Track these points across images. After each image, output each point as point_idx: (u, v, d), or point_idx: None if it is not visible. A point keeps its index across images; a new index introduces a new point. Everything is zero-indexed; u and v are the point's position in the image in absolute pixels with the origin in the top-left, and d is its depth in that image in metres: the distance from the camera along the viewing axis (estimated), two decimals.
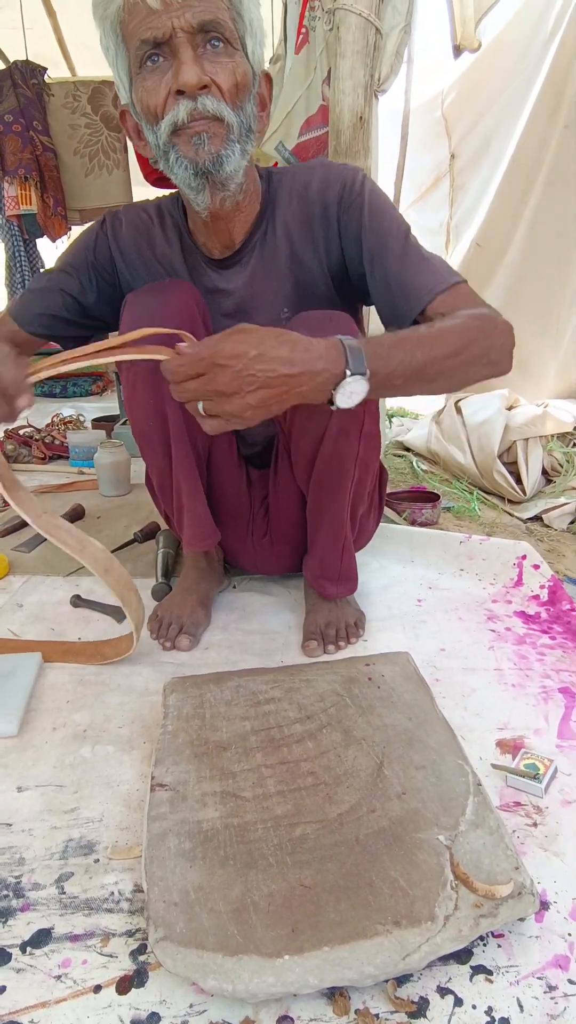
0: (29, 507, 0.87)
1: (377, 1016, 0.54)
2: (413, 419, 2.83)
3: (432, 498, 1.81)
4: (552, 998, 0.55)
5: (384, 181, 1.70)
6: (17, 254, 3.31)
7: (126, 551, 1.43)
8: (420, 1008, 0.55)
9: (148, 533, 1.47)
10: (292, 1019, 0.55)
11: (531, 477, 1.99)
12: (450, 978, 0.57)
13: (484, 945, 0.59)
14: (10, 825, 0.74)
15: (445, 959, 0.58)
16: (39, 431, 2.35)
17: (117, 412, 2.43)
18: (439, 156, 2.95)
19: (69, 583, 1.32)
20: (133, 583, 0.98)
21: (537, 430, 2.06)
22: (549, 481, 2.06)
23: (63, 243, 3.32)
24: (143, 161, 3.29)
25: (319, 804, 0.68)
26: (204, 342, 0.69)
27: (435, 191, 3.05)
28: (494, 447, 2.06)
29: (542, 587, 1.24)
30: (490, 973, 0.57)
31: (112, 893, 0.66)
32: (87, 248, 1.02)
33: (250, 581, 1.30)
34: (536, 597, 1.22)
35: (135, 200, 1.40)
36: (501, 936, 0.60)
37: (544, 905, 0.63)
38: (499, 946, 0.59)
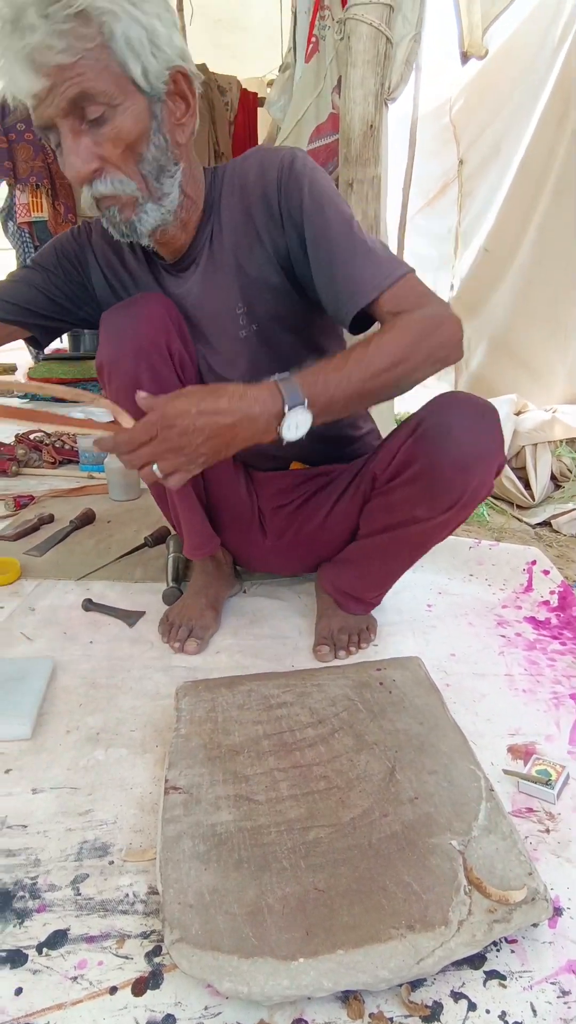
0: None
1: (391, 1020, 0.55)
2: None
3: None
4: (566, 1003, 0.56)
5: (392, 187, 1.71)
6: (28, 260, 3.35)
7: (137, 556, 1.44)
8: (434, 1012, 0.55)
9: (159, 537, 1.48)
10: (307, 1022, 0.55)
11: (540, 482, 1.99)
12: (464, 983, 0.57)
13: (497, 950, 0.60)
14: (25, 827, 0.75)
15: (459, 964, 0.58)
16: (49, 436, 2.37)
17: None
18: (447, 162, 2.96)
19: (80, 587, 1.33)
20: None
21: (546, 435, 2.06)
22: (558, 486, 2.05)
23: None
24: None
25: (332, 808, 0.69)
26: (151, 412, 0.74)
27: (443, 197, 3.06)
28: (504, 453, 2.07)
29: (552, 593, 1.24)
30: (503, 978, 0.58)
31: (127, 895, 0.67)
32: (57, 248, 1.03)
33: (260, 586, 1.31)
34: (546, 603, 1.22)
35: None
36: (514, 941, 0.60)
37: (557, 911, 0.63)
38: (512, 951, 0.60)
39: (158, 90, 0.76)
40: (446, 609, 1.22)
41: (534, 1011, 0.55)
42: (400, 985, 0.56)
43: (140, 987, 0.58)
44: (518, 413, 2.18)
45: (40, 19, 0.68)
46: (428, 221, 3.20)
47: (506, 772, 0.79)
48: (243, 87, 3.28)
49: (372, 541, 1.04)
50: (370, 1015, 0.55)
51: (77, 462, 2.15)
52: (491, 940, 0.56)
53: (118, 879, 0.68)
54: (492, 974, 0.58)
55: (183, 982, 0.58)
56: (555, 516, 1.86)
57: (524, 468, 2.03)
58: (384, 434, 1.10)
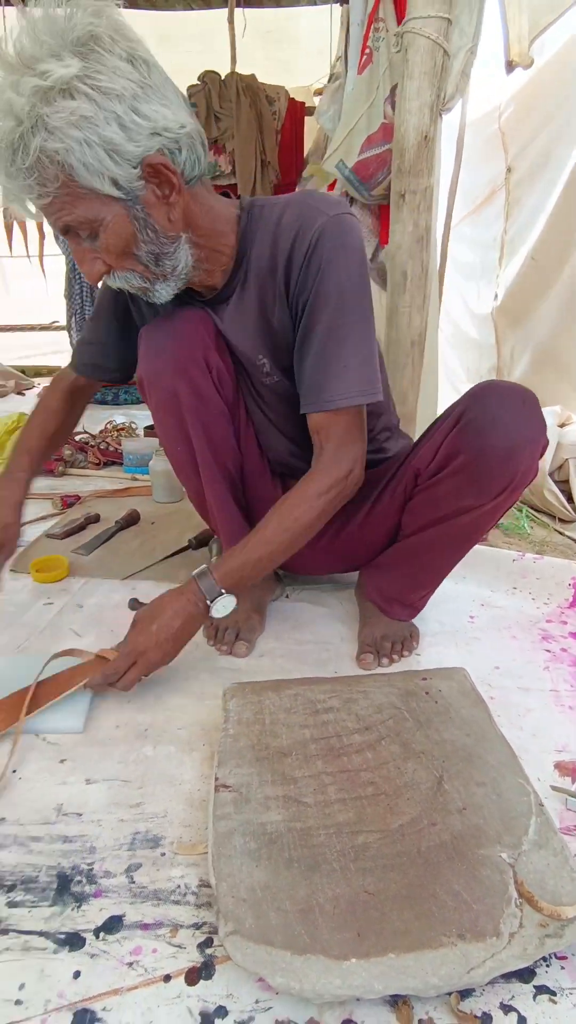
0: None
1: None
2: None
3: None
4: None
5: (439, 195, 1.72)
6: (76, 267, 3.44)
7: (181, 557, 1.47)
8: (484, 1023, 0.55)
9: (202, 540, 1.51)
10: (355, 1023, 0.56)
11: None
12: (513, 996, 0.58)
13: (547, 966, 0.60)
14: (80, 815, 0.78)
15: (507, 977, 0.58)
16: (94, 437, 2.44)
17: None
18: (495, 170, 2.94)
19: (126, 586, 1.36)
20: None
21: None
22: None
23: None
24: None
25: (380, 814, 0.70)
26: (123, 648, 0.95)
27: (489, 205, 3.04)
28: (545, 465, 2.04)
29: None
30: (553, 994, 0.58)
31: (179, 886, 0.69)
32: (106, 295, 1.11)
33: (302, 591, 1.32)
34: None
35: None
36: (564, 958, 0.60)
37: None
38: (563, 968, 0.59)
39: (134, 189, 0.77)
40: (489, 621, 1.21)
41: None
42: (449, 993, 0.57)
43: (193, 977, 0.60)
44: (562, 425, 2.15)
45: (5, 176, 0.74)
46: (473, 229, 3.18)
47: (554, 788, 0.78)
48: (291, 97, 3.31)
49: (418, 538, 1.05)
50: (419, 1021, 0.56)
51: (121, 463, 2.20)
52: (542, 954, 0.57)
53: (170, 870, 0.70)
54: (542, 989, 0.58)
55: (235, 974, 0.60)
56: None
57: (567, 481, 2.00)
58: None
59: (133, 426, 2.61)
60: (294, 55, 3.75)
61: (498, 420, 0.90)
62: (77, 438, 2.41)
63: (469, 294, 3.25)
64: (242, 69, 3.32)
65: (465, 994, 0.57)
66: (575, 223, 2.36)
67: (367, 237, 1.95)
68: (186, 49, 3.65)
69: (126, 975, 0.60)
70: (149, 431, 2.47)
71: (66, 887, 0.68)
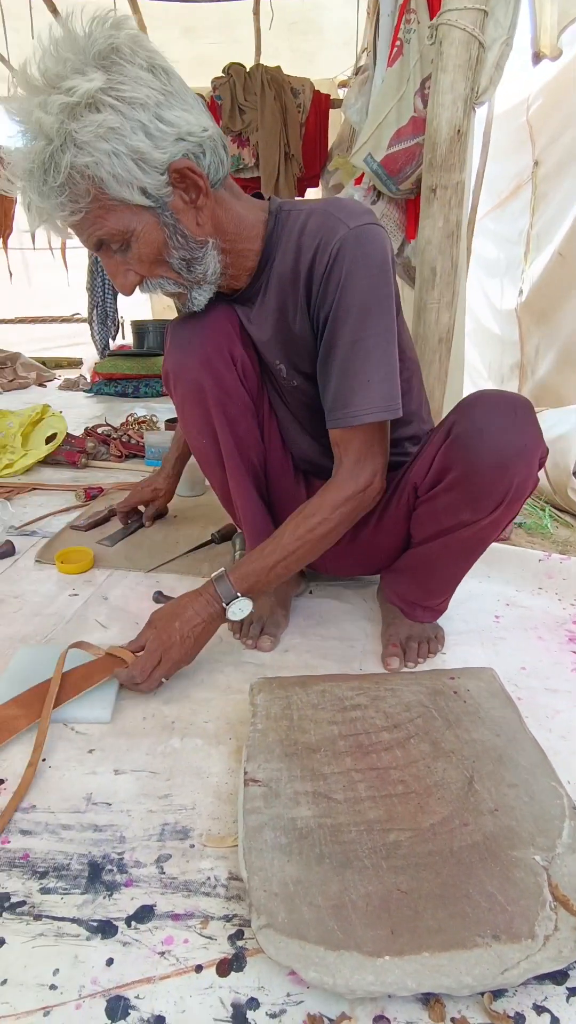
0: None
1: None
2: None
3: None
4: None
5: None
6: (98, 260, 3.46)
7: (204, 551, 1.48)
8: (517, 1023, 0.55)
9: (225, 534, 1.51)
10: (388, 1020, 0.56)
11: None
12: (546, 997, 0.57)
13: None
14: (110, 804, 0.79)
15: (541, 978, 0.58)
16: (116, 429, 2.45)
17: None
18: (521, 163, 2.91)
19: (150, 579, 1.37)
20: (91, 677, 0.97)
21: None
22: None
23: None
24: None
25: (411, 813, 0.70)
26: (146, 647, 0.97)
27: (515, 199, 3.00)
28: (569, 463, 2.02)
29: None
30: None
31: (208, 878, 0.69)
32: None
33: (326, 587, 1.32)
34: None
35: None
36: None
37: None
38: None
39: (162, 196, 0.79)
40: (514, 621, 1.20)
41: None
42: (482, 993, 0.57)
43: (224, 968, 0.60)
44: None
45: (38, 196, 0.75)
46: (497, 224, 3.14)
47: None
48: (316, 89, 3.29)
49: (426, 548, 1.04)
50: (452, 1020, 0.56)
51: (143, 456, 2.21)
52: None
53: (199, 862, 0.71)
54: (575, 991, 0.58)
55: (266, 967, 0.60)
56: None
57: None
58: None
59: (154, 419, 2.62)
60: (319, 47, 3.72)
61: (487, 433, 0.88)
62: (99, 431, 2.42)
63: (492, 290, 3.22)
64: (267, 61, 3.30)
65: (498, 994, 0.57)
66: None
67: (393, 232, 1.94)
68: (211, 41, 3.64)
69: (158, 964, 0.61)
70: (170, 424, 2.48)
71: (97, 875, 0.69)
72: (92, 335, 4.21)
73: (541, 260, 2.68)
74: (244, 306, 0.98)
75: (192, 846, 0.73)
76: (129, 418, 2.62)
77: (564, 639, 1.14)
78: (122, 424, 2.55)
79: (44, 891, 0.68)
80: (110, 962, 0.61)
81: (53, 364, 4.42)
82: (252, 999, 0.58)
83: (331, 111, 3.35)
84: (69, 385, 3.77)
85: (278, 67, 3.19)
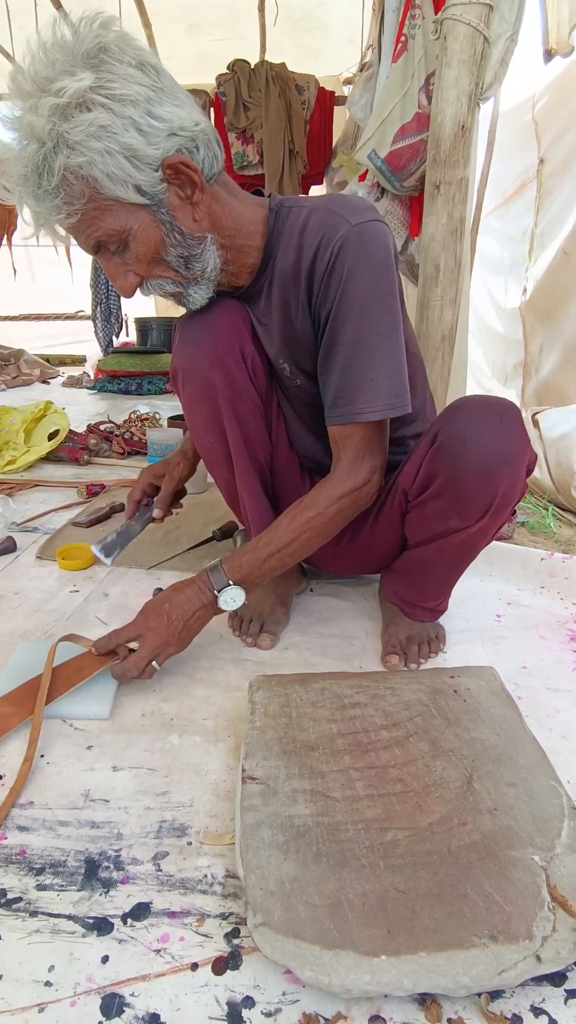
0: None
1: None
2: None
3: None
4: None
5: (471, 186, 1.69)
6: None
7: (205, 548, 1.48)
8: None
9: (227, 531, 1.51)
10: (384, 1020, 0.56)
11: None
12: (544, 999, 0.57)
13: None
14: (107, 801, 0.78)
15: (538, 980, 0.58)
16: (118, 427, 2.45)
17: None
18: (526, 161, 2.89)
19: (151, 576, 1.37)
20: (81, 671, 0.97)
21: None
22: None
23: None
24: (227, 168, 3.38)
25: (409, 812, 0.69)
26: (139, 633, 0.96)
27: (520, 197, 2.98)
28: (572, 462, 2.01)
29: None
30: None
31: (205, 876, 0.69)
32: None
33: (326, 585, 1.32)
34: None
35: None
36: None
37: None
38: None
39: (157, 193, 0.78)
40: (516, 620, 1.20)
41: None
42: (479, 994, 0.56)
43: (220, 966, 0.60)
44: None
45: (34, 200, 0.75)
46: (502, 222, 3.13)
47: None
48: (320, 86, 3.28)
49: (421, 551, 1.04)
50: (448, 1020, 0.55)
51: (145, 453, 2.21)
52: (575, 959, 0.56)
53: (196, 860, 0.71)
54: (573, 993, 0.57)
55: (261, 966, 0.60)
56: None
57: None
58: None
59: (157, 416, 2.62)
60: (324, 43, 3.71)
61: (471, 440, 0.87)
62: (102, 428, 2.42)
63: (496, 288, 3.20)
64: (271, 57, 3.30)
65: (495, 995, 0.57)
66: None
67: (397, 229, 1.93)
68: (215, 37, 3.63)
69: (154, 962, 0.61)
70: (173, 421, 2.48)
71: (94, 872, 0.69)
72: (96, 332, 4.21)
73: (545, 258, 2.67)
74: (249, 304, 0.98)
75: (189, 843, 0.73)
76: (132, 415, 2.62)
77: (565, 638, 1.14)
78: (125, 421, 2.55)
79: (40, 887, 0.67)
80: (105, 959, 0.61)
81: (57, 361, 4.42)
82: (248, 998, 0.58)
83: (336, 108, 3.34)
84: (72, 382, 3.77)
85: (283, 64, 3.18)
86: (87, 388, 3.63)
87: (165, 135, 0.75)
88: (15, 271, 4.55)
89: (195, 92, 3.20)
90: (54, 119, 0.70)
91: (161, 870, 0.70)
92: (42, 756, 0.85)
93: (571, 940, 0.56)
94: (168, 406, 2.98)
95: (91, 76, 0.70)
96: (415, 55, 1.67)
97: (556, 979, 0.58)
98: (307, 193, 3.49)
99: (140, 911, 0.65)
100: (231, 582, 0.95)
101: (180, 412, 2.61)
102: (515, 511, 1.77)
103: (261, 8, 3.44)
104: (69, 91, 0.69)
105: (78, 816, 0.76)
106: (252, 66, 3.16)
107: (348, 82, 3.50)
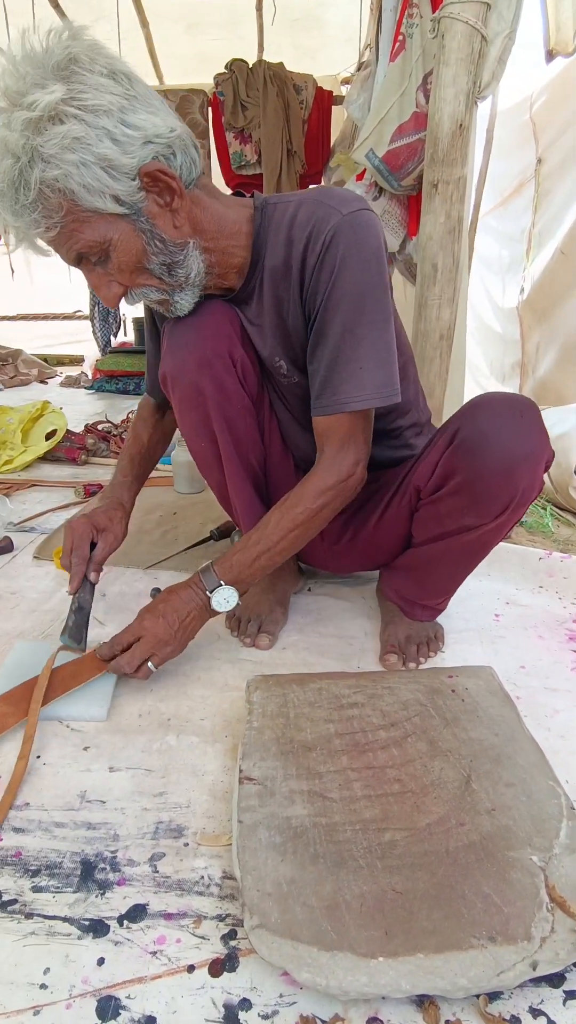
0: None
1: None
2: None
3: None
4: None
5: (469, 185, 1.68)
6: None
7: (203, 548, 1.47)
8: None
9: (224, 531, 1.50)
10: (382, 1022, 0.55)
11: None
12: (543, 1000, 0.57)
13: None
14: (104, 802, 0.78)
15: (537, 981, 0.57)
16: (116, 426, 2.45)
17: None
18: (524, 161, 2.89)
19: (148, 576, 1.37)
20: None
21: None
22: None
23: None
24: (225, 167, 3.38)
25: (407, 812, 0.69)
26: (137, 636, 0.96)
27: (518, 197, 2.98)
28: (570, 462, 2.00)
29: None
30: None
31: (202, 877, 0.68)
32: (147, 317, 1.12)
33: (324, 584, 1.31)
34: None
35: None
36: None
37: None
38: None
39: (136, 202, 0.78)
40: (514, 620, 1.19)
41: None
42: (477, 995, 0.56)
43: (217, 968, 0.60)
44: None
45: (12, 216, 0.75)
46: (500, 222, 3.13)
47: None
48: (318, 85, 3.28)
49: (428, 549, 1.03)
50: (446, 1022, 0.55)
51: None
52: (574, 960, 0.55)
53: (193, 861, 0.70)
54: (572, 994, 0.57)
55: (258, 967, 0.60)
56: None
57: None
58: None
59: None
60: (322, 43, 3.71)
61: (492, 438, 0.86)
62: (100, 427, 2.42)
63: (494, 288, 3.20)
64: (270, 57, 3.29)
65: (493, 996, 0.57)
66: None
67: (395, 228, 1.93)
68: (213, 37, 3.63)
69: (150, 964, 0.60)
70: None
71: (90, 874, 0.69)
72: (93, 332, 4.20)
73: (543, 258, 2.67)
74: (242, 306, 0.97)
75: (186, 845, 0.72)
76: (130, 415, 2.61)
77: (564, 638, 1.14)
78: (123, 421, 2.54)
79: (36, 889, 0.67)
80: (101, 961, 0.60)
81: (54, 361, 4.41)
82: (244, 1000, 0.57)
83: (334, 108, 3.33)
84: (70, 382, 3.76)
85: (281, 63, 3.18)
86: (85, 388, 3.62)
87: (140, 143, 0.75)
88: (13, 271, 4.54)
89: (193, 92, 3.20)
90: (27, 133, 0.71)
91: (158, 871, 0.69)
92: (38, 757, 0.85)
93: (569, 941, 0.55)
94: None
95: (62, 88, 0.70)
96: (413, 54, 1.66)
97: (554, 980, 0.58)
98: None
99: (136, 913, 0.65)
100: (222, 583, 0.95)
101: None
102: None
103: (259, 8, 3.44)
104: (41, 104, 0.69)
105: (74, 817, 0.76)
106: (250, 66, 3.15)
107: (346, 82, 3.49)
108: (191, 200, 0.83)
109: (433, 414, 1.52)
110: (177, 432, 2.16)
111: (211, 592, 0.95)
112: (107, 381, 3.47)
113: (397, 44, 1.72)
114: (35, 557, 1.44)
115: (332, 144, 3.33)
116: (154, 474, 2.01)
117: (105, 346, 4.19)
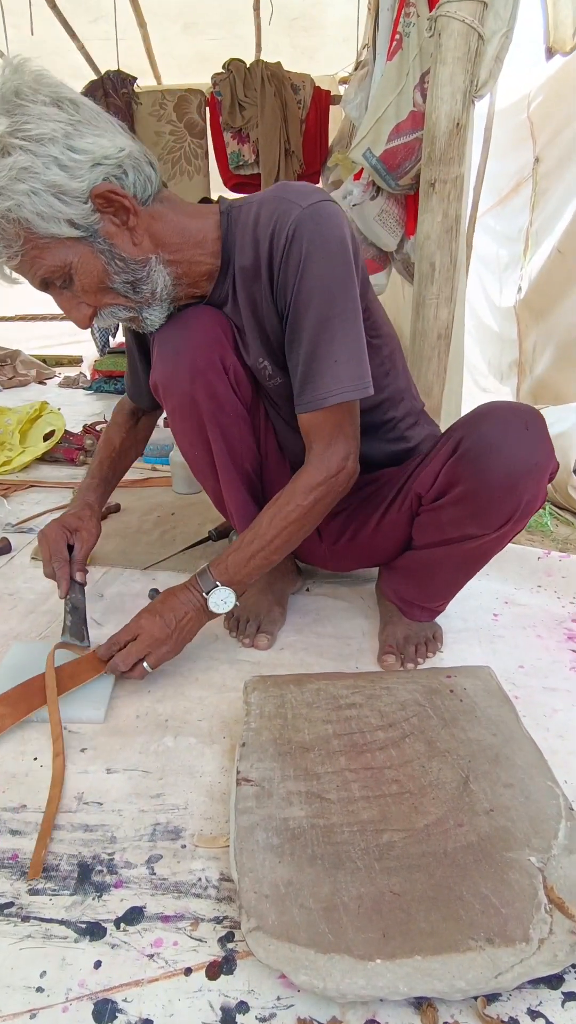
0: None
1: None
2: None
3: None
4: None
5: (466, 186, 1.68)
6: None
7: (201, 548, 1.47)
8: None
9: (222, 531, 1.50)
10: (379, 1023, 0.55)
11: None
12: (541, 1002, 0.56)
13: None
14: (101, 804, 0.78)
15: (535, 982, 0.57)
16: None
17: None
18: (522, 160, 2.89)
19: (146, 576, 1.36)
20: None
21: None
22: None
23: None
24: (223, 167, 3.37)
25: (405, 813, 0.69)
26: (135, 637, 0.96)
27: (516, 196, 2.98)
28: (569, 461, 2.00)
29: None
30: None
31: (200, 879, 0.68)
32: (125, 336, 1.14)
33: (322, 584, 1.31)
34: None
35: None
36: None
37: None
38: None
39: (91, 224, 0.79)
40: (513, 620, 1.19)
41: None
42: (475, 997, 0.56)
43: (214, 971, 0.60)
44: None
45: None
46: (497, 221, 3.13)
47: None
48: (316, 85, 3.27)
49: (428, 553, 1.03)
50: None
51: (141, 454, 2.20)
52: (572, 961, 0.55)
53: (190, 863, 0.70)
54: (570, 996, 0.57)
55: (256, 970, 0.59)
56: None
57: None
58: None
59: None
60: (320, 43, 3.71)
61: (497, 449, 0.86)
62: (98, 428, 2.41)
63: (491, 287, 3.20)
64: (267, 57, 3.28)
65: (491, 998, 0.56)
66: None
67: (393, 227, 1.93)
68: (211, 37, 3.62)
69: (147, 967, 0.60)
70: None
71: (87, 876, 0.68)
72: (92, 333, 4.19)
73: (540, 257, 2.67)
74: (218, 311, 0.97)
75: (183, 846, 0.72)
76: None
77: (563, 637, 1.13)
78: None
79: (32, 892, 0.67)
80: (98, 964, 0.60)
81: (53, 362, 4.41)
82: (242, 1002, 0.57)
83: (331, 107, 3.33)
84: (69, 383, 3.76)
85: (278, 63, 3.17)
86: (83, 388, 3.61)
87: (88, 166, 0.76)
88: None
89: (190, 91, 3.20)
90: None
91: (155, 874, 0.69)
92: (35, 759, 0.84)
93: (568, 942, 0.55)
94: None
95: (6, 121, 0.72)
96: (410, 53, 1.66)
97: (553, 982, 0.57)
98: None
99: (133, 915, 0.65)
100: (218, 583, 0.95)
101: None
102: None
103: (257, 8, 3.43)
104: None
105: (71, 819, 0.75)
106: (248, 65, 3.15)
107: (344, 81, 3.49)
108: (149, 215, 0.84)
109: (431, 414, 1.51)
110: None
111: (207, 593, 0.95)
112: (105, 382, 3.47)
113: (394, 43, 1.72)
114: (33, 558, 1.44)
115: (330, 144, 3.33)
116: (153, 474, 2.02)
117: (104, 347, 4.19)
